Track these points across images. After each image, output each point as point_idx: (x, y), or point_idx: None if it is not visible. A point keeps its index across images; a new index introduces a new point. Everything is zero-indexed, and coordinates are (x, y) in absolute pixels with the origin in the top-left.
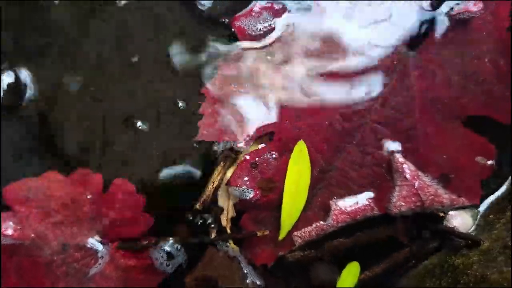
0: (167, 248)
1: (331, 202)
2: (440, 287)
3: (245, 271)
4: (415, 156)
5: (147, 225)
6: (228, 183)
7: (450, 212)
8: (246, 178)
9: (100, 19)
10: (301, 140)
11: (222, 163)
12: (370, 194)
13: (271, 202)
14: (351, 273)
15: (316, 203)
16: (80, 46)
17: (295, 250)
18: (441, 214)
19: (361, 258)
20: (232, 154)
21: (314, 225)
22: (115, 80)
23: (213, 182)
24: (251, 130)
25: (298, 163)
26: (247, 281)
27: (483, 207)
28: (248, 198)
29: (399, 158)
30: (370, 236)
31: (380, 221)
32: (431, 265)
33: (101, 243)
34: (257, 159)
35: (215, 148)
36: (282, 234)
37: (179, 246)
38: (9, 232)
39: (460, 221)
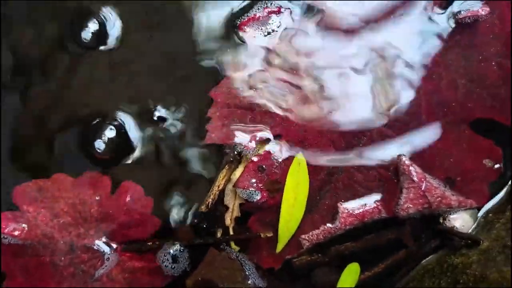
0: (171, 251)
1: (338, 204)
2: (440, 287)
3: (247, 273)
4: (421, 159)
5: (155, 228)
6: (236, 185)
7: (452, 214)
8: (253, 180)
9: None
10: (300, 153)
11: (227, 166)
12: (378, 197)
13: (278, 204)
14: (351, 273)
15: (323, 206)
16: None
17: (303, 253)
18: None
19: (363, 259)
20: (237, 156)
21: (321, 228)
22: None
23: (218, 185)
24: (258, 132)
25: (296, 177)
26: (249, 282)
27: (483, 207)
28: (255, 200)
29: (406, 160)
30: (377, 239)
31: (387, 224)
32: (431, 265)
33: (108, 245)
34: (264, 161)
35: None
36: (279, 248)
37: (183, 249)
38: (16, 232)
39: (460, 221)
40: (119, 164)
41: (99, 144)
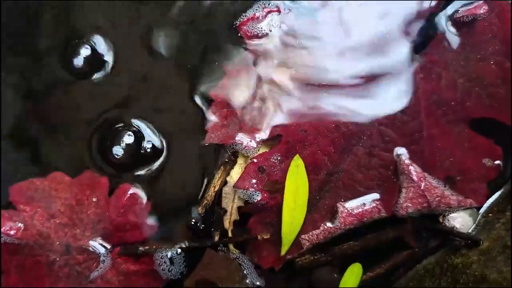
0: (168, 253)
1: (338, 204)
2: (440, 287)
3: (245, 272)
4: (421, 159)
5: (152, 230)
6: (236, 186)
7: (451, 214)
8: (253, 181)
9: None
10: (297, 155)
11: (222, 167)
12: (377, 196)
13: (278, 205)
14: (353, 274)
15: (323, 206)
16: None
17: (304, 253)
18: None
19: (364, 259)
20: (232, 157)
21: (321, 228)
22: None
23: (214, 186)
24: (258, 133)
25: (295, 179)
26: (247, 281)
27: (483, 207)
28: (255, 201)
29: (406, 160)
30: (378, 239)
31: (387, 223)
32: (431, 265)
33: (104, 247)
34: (264, 162)
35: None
36: (283, 251)
37: (180, 251)
38: (12, 231)
39: (460, 221)
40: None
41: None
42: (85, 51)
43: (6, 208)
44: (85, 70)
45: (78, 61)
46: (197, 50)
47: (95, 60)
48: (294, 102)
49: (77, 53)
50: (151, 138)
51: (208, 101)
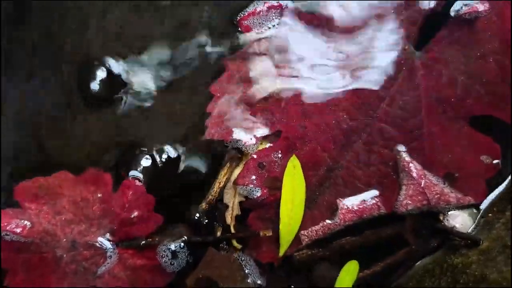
0: (171, 246)
1: (338, 200)
2: (439, 287)
3: (246, 271)
4: (421, 156)
5: (157, 225)
6: (236, 182)
7: (450, 212)
8: (253, 177)
9: None
10: (294, 155)
11: (228, 164)
12: (377, 193)
13: (278, 201)
14: (349, 271)
15: (323, 202)
16: None
17: (303, 249)
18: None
19: (364, 256)
20: (238, 154)
21: (321, 224)
22: None
23: (220, 183)
24: (258, 129)
25: (292, 180)
26: (248, 280)
27: (483, 206)
28: (255, 197)
29: (406, 157)
30: (378, 235)
31: (386, 220)
32: (430, 264)
33: (110, 242)
34: (264, 158)
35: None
36: (282, 251)
37: (182, 245)
38: (18, 229)
39: (460, 220)
40: None
41: None
42: (101, 74)
43: (12, 207)
44: (101, 94)
45: (94, 85)
46: (198, 47)
47: (111, 84)
48: (295, 95)
49: (93, 77)
50: (167, 149)
51: (209, 96)
